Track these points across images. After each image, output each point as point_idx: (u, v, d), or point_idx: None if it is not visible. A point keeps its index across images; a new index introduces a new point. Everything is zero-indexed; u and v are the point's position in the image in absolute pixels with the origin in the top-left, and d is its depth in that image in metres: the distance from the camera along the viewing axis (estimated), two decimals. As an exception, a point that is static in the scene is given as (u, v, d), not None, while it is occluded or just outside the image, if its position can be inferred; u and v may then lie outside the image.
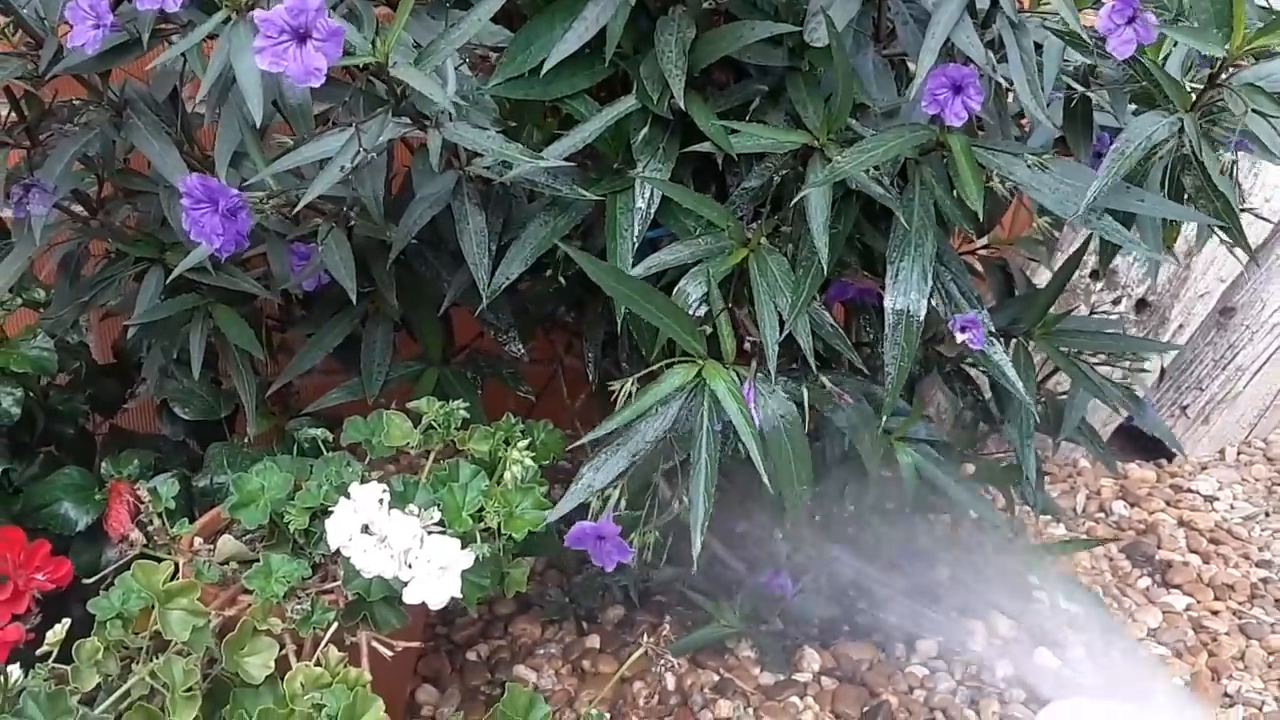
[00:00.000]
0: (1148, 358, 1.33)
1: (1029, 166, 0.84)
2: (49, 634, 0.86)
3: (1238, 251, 0.91)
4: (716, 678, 1.26)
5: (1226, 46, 0.76)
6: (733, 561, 1.29)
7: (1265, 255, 1.64)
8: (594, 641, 1.31)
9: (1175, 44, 0.79)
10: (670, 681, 1.25)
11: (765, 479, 0.88)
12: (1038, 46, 0.82)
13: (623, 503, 0.93)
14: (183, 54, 0.86)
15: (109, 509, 1.08)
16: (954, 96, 0.80)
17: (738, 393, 0.88)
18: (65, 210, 1.09)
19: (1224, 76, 0.78)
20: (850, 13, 0.84)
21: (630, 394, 0.89)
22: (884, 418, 0.91)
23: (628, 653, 1.21)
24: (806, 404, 0.94)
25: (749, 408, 0.89)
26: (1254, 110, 0.74)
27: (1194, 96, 0.80)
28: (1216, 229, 0.87)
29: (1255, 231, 1.55)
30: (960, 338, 0.92)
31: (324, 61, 0.74)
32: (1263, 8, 0.95)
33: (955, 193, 0.84)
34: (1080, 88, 0.90)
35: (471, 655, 1.30)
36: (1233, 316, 1.68)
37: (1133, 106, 0.88)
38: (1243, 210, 0.96)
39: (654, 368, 0.90)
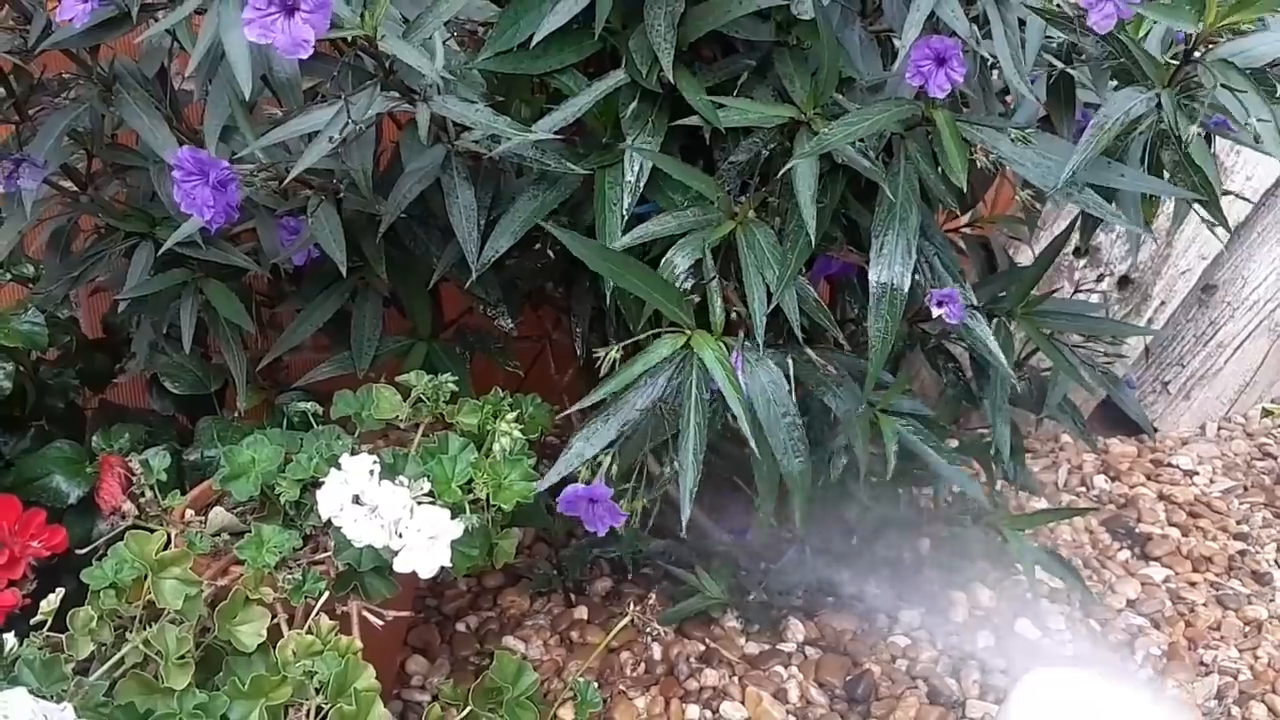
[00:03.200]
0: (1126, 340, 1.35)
1: (1013, 141, 0.85)
2: (43, 603, 0.87)
3: (1219, 229, 0.92)
4: (702, 647, 1.28)
5: (1200, 23, 0.77)
6: (719, 534, 1.30)
7: (1246, 232, 1.66)
8: (582, 613, 1.33)
9: (1155, 21, 0.80)
10: (657, 651, 1.27)
11: (752, 444, 0.89)
12: (1021, 22, 0.83)
13: (614, 469, 0.94)
14: (171, 29, 0.87)
15: (100, 482, 1.08)
16: (938, 68, 0.81)
17: (726, 361, 0.89)
18: (55, 185, 1.09)
19: (1198, 53, 0.79)
20: (836, -14, 0.85)
21: (615, 361, 0.90)
22: (868, 389, 0.92)
23: (615, 624, 1.22)
24: (793, 377, 0.95)
25: (737, 376, 0.90)
26: (1224, 85, 0.75)
27: (1171, 72, 0.81)
28: (1195, 205, 0.88)
29: (1237, 209, 1.57)
30: (936, 312, 0.93)
31: (311, 33, 0.75)
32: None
33: (939, 168, 0.85)
34: (1062, 64, 0.91)
35: (461, 626, 1.31)
36: (1214, 294, 1.70)
37: (1113, 83, 0.89)
38: (1223, 193, 0.98)
39: (639, 338, 0.91)
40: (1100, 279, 1.61)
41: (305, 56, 0.75)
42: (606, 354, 0.90)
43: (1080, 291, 1.57)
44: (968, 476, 1.14)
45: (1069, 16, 0.81)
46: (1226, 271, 1.68)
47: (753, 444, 0.89)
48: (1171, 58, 0.80)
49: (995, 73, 0.88)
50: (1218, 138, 1.00)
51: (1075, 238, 1.47)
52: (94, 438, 1.18)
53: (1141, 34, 0.87)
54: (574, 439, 0.91)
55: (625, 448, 0.95)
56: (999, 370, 1.00)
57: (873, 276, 0.88)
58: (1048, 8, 0.82)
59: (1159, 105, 0.79)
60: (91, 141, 1.08)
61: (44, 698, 0.79)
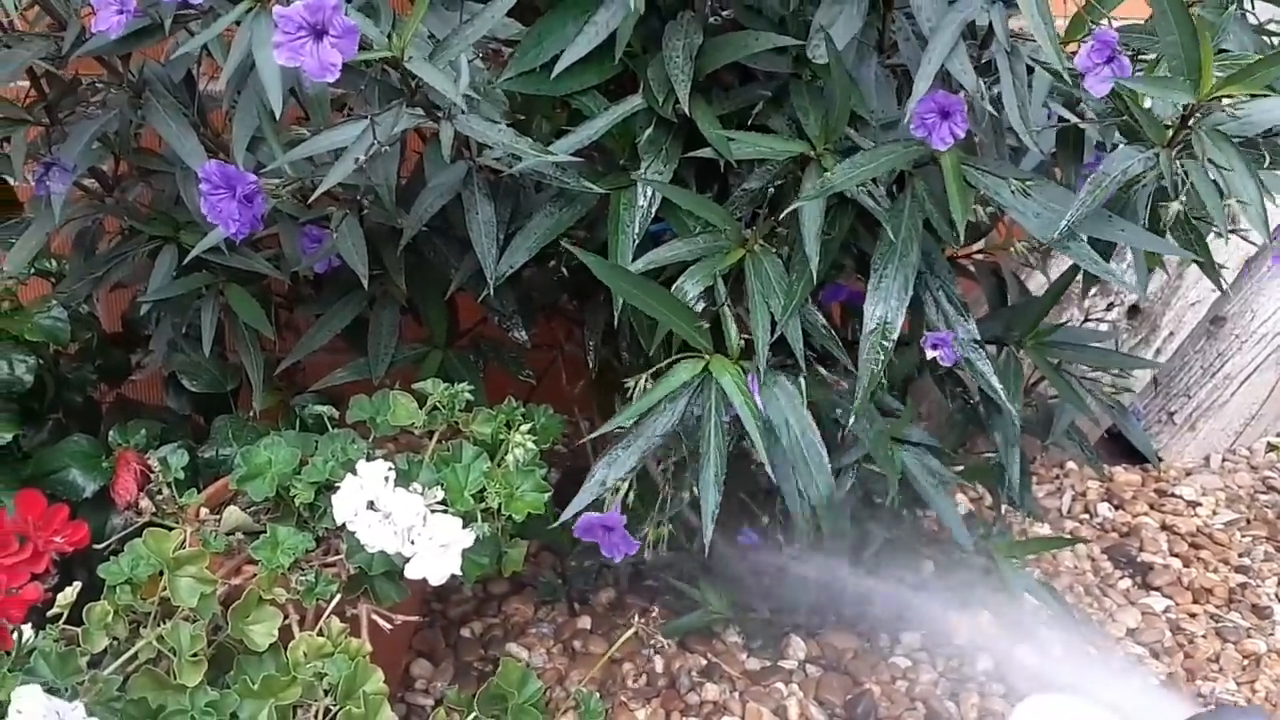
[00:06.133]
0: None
1: (1013, 191, 0.86)
2: (60, 596, 0.89)
3: (1228, 266, 0.93)
4: (704, 662, 1.29)
5: (1195, 94, 0.78)
6: (726, 550, 1.32)
7: (1256, 266, 1.67)
8: (585, 623, 1.34)
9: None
10: (659, 664, 1.28)
11: (768, 467, 0.90)
12: (1030, 69, 0.84)
13: (631, 495, 0.96)
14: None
15: (116, 477, 1.10)
16: (941, 122, 0.82)
17: (744, 386, 0.90)
18: (81, 187, 1.11)
19: (1194, 119, 0.80)
20: (852, 31, 0.86)
21: (644, 389, 0.92)
22: (851, 419, 0.94)
23: (618, 634, 1.24)
24: (805, 398, 0.96)
25: (755, 400, 0.91)
26: (1210, 161, 0.76)
27: (1171, 134, 0.82)
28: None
29: (1246, 245, 1.58)
30: (931, 354, 0.95)
31: (339, 57, 0.76)
32: (1255, 28, 0.97)
33: (947, 206, 0.86)
34: (1072, 116, 0.92)
35: (465, 632, 1.33)
36: (1223, 326, 1.71)
37: (1121, 138, 0.90)
38: (1231, 231, 0.99)
39: (663, 364, 0.92)
40: (1110, 308, 1.62)
41: (333, 80, 0.77)
42: (636, 383, 0.92)
43: (1090, 320, 1.58)
44: (957, 515, 1.15)
45: (1068, 77, 0.83)
46: (1236, 304, 1.69)
47: (769, 468, 0.90)
48: (1177, 120, 0.81)
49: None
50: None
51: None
52: (110, 433, 1.20)
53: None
54: (596, 466, 0.92)
55: (643, 473, 0.96)
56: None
57: (867, 310, 0.90)
58: (1048, 66, 0.83)
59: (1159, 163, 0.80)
60: (119, 145, 1.10)
61: (58, 690, 0.81)
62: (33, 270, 1.28)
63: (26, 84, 1.04)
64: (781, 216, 0.94)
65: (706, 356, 0.92)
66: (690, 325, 0.90)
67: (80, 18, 0.96)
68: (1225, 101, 0.77)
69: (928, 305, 0.96)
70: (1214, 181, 0.80)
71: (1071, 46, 0.81)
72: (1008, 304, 1.27)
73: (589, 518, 0.95)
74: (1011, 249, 0.98)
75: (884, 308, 0.90)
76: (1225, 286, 0.94)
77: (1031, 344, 1.17)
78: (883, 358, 0.90)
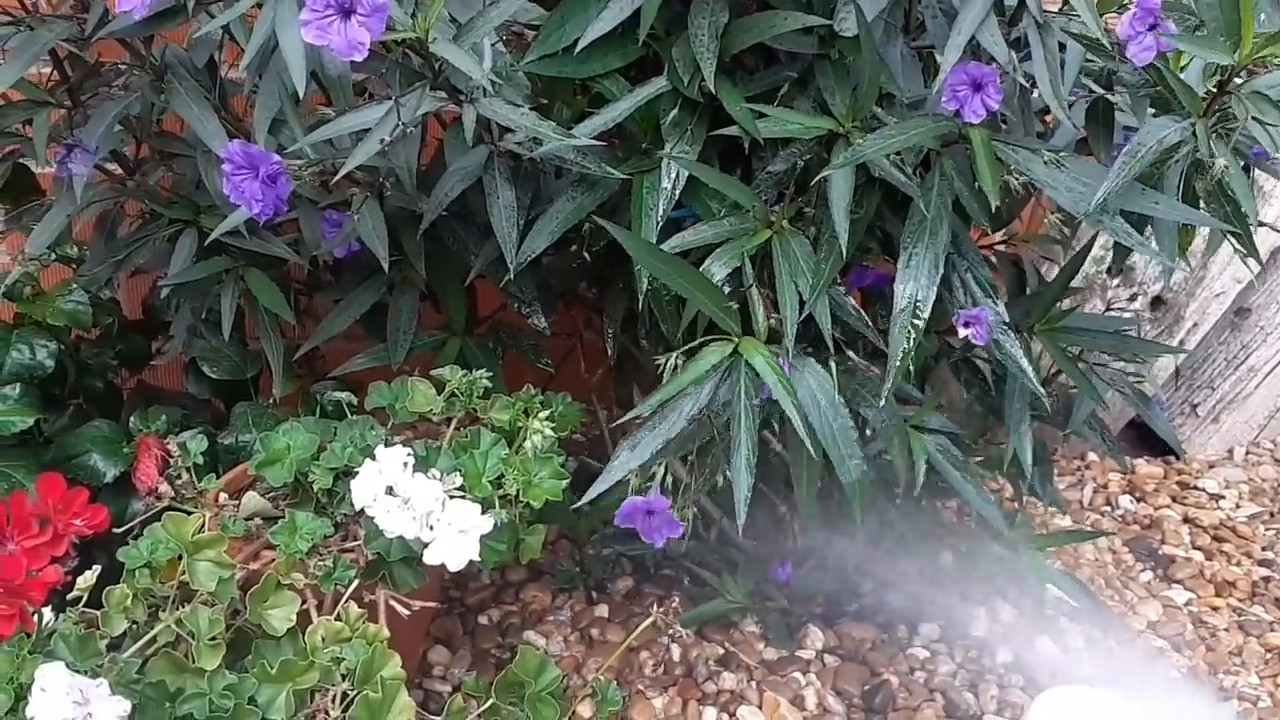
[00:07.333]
0: (1153, 358, 1.34)
1: (1046, 164, 0.85)
2: (80, 579, 0.89)
3: (1251, 260, 0.92)
4: (721, 651, 1.29)
5: (1235, 55, 0.77)
6: (741, 539, 1.31)
7: (1282, 258, 1.65)
8: (603, 611, 1.34)
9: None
10: (676, 653, 1.28)
11: (809, 447, 0.90)
12: (1061, 46, 0.83)
13: (669, 479, 0.95)
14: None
15: (137, 462, 1.11)
16: (973, 94, 0.82)
17: (776, 366, 0.90)
18: (102, 170, 1.11)
19: (1233, 84, 0.79)
20: (880, 4, 0.85)
21: (675, 368, 0.91)
22: (881, 400, 0.93)
23: (635, 623, 1.23)
24: (835, 381, 0.95)
25: (788, 378, 0.90)
26: (1254, 119, 0.75)
27: (1207, 102, 0.81)
28: (1228, 235, 0.88)
29: (1273, 235, 1.56)
30: (963, 333, 0.94)
31: (368, 36, 0.76)
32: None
33: (975, 185, 0.86)
34: (1101, 90, 0.91)
35: (483, 619, 1.33)
36: (1247, 317, 1.69)
37: (1151, 110, 0.89)
38: (1259, 224, 0.98)
39: (690, 345, 0.91)
40: (1133, 298, 1.61)
41: (360, 59, 0.76)
42: (668, 360, 0.91)
43: (1112, 310, 1.56)
44: (989, 501, 1.13)
45: (1109, 45, 0.82)
46: (1261, 296, 1.67)
47: (810, 447, 0.89)
48: (1213, 87, 0.80)
49: (1035, 92, 0.88)
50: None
51: (1109, 256, 1.47)
52: (131, 418, 1.20)
53: (1183, 63, 0.87)
54: (620, 447, 0.92)
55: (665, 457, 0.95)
56: (1019, 382, 1.00)
57: (898, 289, 0.89)
58: (1085, 33, 0.82)
59: (1194, 134, 0.79)
60: (140, 128, 1.10)
61: (79, 672, 0.81)
62: (54, 256, 1.28)
63: (49, 69, 1.05)
64: (808, 197, 0.93)
65: (735, 339, 0.91)
66: (719, 305, 0.89)
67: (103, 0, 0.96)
68: (1266, 64, 0.76)
69: (956, 287, 0.95)
70: (1244, 166, 0.79)
71: (1108, 20, 0.80)
72: (1027, 294, 1.26)
73: (632, 503, 0.94)
74: (1045, 221, 0.97)
75: (914, 286, 0.89)
76: (1260, 262, 0.92)
77: (1043, 330, 1.15)
78: (913, 336, 0.89)
